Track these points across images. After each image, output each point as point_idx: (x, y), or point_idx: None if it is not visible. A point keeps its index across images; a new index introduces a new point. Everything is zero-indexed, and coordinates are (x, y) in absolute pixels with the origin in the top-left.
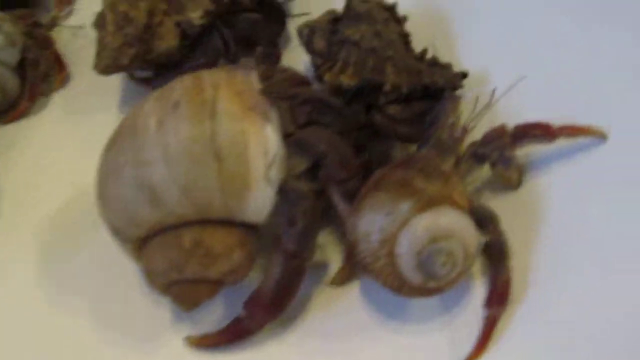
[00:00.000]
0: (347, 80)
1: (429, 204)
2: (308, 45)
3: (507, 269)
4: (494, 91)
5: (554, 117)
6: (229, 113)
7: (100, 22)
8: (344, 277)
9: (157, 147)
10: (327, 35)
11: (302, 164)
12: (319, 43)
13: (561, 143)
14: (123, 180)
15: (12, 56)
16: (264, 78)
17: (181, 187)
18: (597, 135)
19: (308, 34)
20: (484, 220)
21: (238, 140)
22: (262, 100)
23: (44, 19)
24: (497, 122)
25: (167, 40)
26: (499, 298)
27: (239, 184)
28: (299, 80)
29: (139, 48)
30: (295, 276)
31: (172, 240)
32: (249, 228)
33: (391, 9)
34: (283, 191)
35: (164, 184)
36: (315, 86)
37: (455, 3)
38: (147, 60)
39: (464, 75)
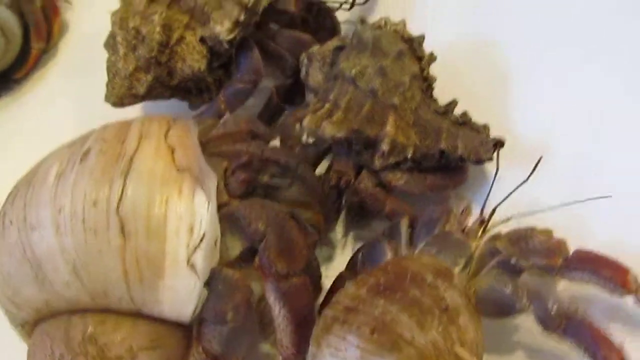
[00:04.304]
0: (330, 129)
1: None
2: (305, 78)
3: None
4: (539, 160)
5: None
6: (148, 172)
7: (111, 43)
8: None
9: (48, 207)
10: (326, 67)
11: (235, 247)
12: (316, 76)
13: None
14: (7, 244)
15: None
16: (205, 130)
17: (71, 264)
18: None
19: (306, 64)
20: None
21: (154, 210)
22: (199, 161)
23: None
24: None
25: (191, 62)
26: None
27: (150, 269)
28: (252, 133)
29: (157, 73)
30: None
31: (60, 330)
32: (171, 325)
33: (411, 40)
34: (210, 278)
35: (51, 256)
36: (275, 143)
37: (512, 43)
38: (170, 87)
39: (499, 143)
